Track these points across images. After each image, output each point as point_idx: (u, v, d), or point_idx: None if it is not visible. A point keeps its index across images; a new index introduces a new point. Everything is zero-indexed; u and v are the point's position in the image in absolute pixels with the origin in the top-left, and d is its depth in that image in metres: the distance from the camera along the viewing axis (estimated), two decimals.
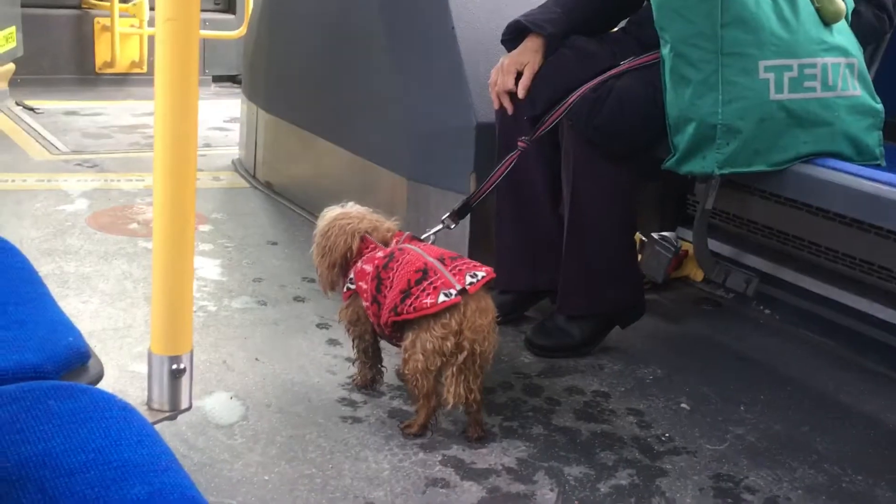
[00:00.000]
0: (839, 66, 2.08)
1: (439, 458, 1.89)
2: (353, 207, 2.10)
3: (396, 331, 1.95)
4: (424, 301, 1.85)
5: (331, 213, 2.09)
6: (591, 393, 2.21)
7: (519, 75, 2.35)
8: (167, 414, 1.28)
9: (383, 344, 2.09)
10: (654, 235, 2.74)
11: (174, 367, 1.28)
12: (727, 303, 2.76)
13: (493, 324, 1.90)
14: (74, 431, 0.84)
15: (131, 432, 0.85)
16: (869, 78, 2.17)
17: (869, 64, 2.30)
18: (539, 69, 2.34)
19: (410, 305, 1.87)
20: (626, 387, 2.25)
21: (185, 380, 1.31)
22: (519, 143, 2.28)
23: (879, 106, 2.15)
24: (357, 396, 2.11)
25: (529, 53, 2.36)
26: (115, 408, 0.90)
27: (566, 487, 1.82)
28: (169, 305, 1.22)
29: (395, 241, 2.04)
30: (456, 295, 1.84)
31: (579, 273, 2.36)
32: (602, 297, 2.38)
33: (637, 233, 2.51)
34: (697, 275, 2.83)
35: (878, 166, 2.12)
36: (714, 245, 2.70)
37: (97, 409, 0.88)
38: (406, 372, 1.92)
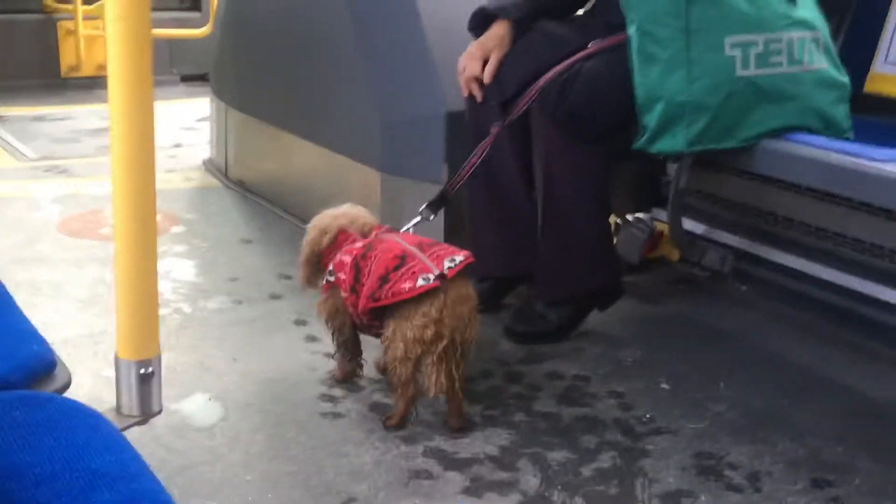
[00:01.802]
0: (805, 40, 2.09)
1: (421, 449, 1.88)
2: (348, 206, 2.11)
3: (375, 319, 1.94)
4: (402, 286, 1.84)
5: (319, 214, 2.11)
6: (572, 377, 2.20)
7: (487, 61, 2.34)
8: (138, 419, 1.26)
9: (363, 337, 2.08)
10: (629, 217, 2.75)
11: (142, 371, 1.26)
12: (704, 281, 2.77)
13: (474, 312, 1.89)
14: (41, 441, 0.82)
15: (99, 440, 0.83)
16: (834, 51, 2.17)
17: (834, 37, 2.30)
18: (507, 54, 2.33)
19: (388, 290, 1.86)
20: (606, 369, 2.25)
21: (154, 383, 1.29)
22: (491, 130, 2.27)
23: (845, 79, 2.16)
24: (337, 392, 2.09)
25: (496, 39, 2.35)
26: (81, 416, 0.88)
27: (549, 473, 1.82)
28: (134, 309, 1.20)
29: (374, 233, 2.04)
30: (434, 279, 1.83)
31: (556, 258, 2.35)
32: (579, 281, 2.37)
33: (612, 215, 2.51)
34: (673, 255, 2.84)
35: (846, 139, 2.12)
36: (689, 224, 2.70)
37: (64, 418, 0.86)
38: (386, 360, 1.91)
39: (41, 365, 1.05)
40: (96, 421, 0.88)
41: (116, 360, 1.25)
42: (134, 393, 1.26)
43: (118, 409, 1.23)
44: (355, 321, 2.02)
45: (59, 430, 0.84)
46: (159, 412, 1.34)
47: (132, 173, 1.10)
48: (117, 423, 0.96)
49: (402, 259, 1.88)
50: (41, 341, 1.10)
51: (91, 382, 2.02)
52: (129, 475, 0.79)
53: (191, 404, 2.01)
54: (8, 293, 1.21)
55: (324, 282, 2.05)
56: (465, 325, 1.87)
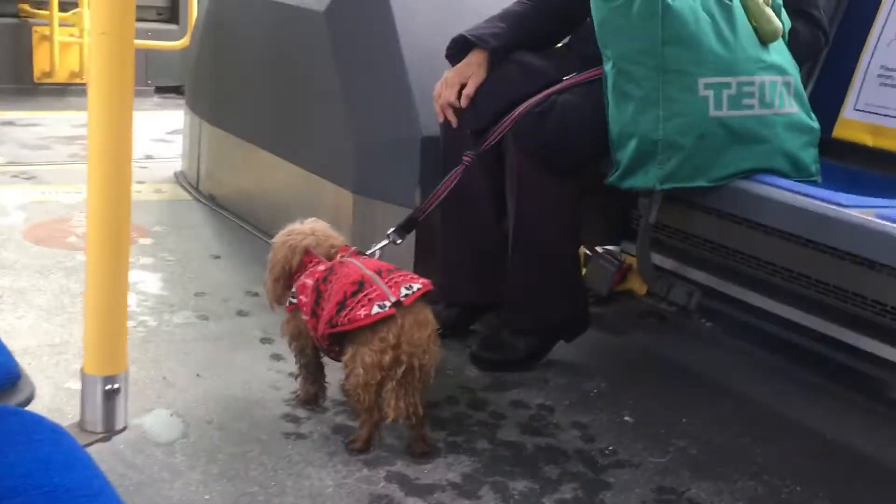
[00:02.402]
0: (776, 84, 2.13)
1: (384, 474, 1.87)
2: (309, 223, 2.10)
3: (334, 344, 1.94)
4: (359, 312, 1.85)
5: (284, 229, 2.10)
6: (536, 406, 2.21)
7: (463, 89, 2.36)
8: (101, 435, 1.24)
9: (327, 360, 2.08)
10: (599, 249, 2.77)
11: (108, 387, 1.25)
12: (670, 316, 2.80)
13: (432, 337, 1.89)
14: (3, 455, 0.81)
15: (61, 455, 0.82)
16: (805, 96, 2.21)
17: (805, 82, 2.35)
18: (483, 83, 2.35)
19: (345, 317, 1.86)
20: (571, 400, 2.25)
21: (119, 400, 1.28)
22: (464, 158, 2.29)
23: (815, 124, 2.20)
24: (300, 412, 2.08)
25: (473, 67, 2.37)
26: (44, 430, 0.87)
27: (511, 502, 1.82)
28: (103, 324, 1.19)
29: (339, 255, 2.04)
30: (390, 307, 1.84)
31: (524, 287, 2.37)
32: (547, 311, 2.38)
33: (581, 247, 2.52)
34: (641, 288, 2.86)
35: (814, 183, 2.16)
36: (657, 259, 2.73)
37: (26, 432, 0.85)
38: (347, 386, 1.91)
39: (4, 376, 1.03)
40: (59, 436, 0.87)
41: (82, 374, 1.23)
42: (98, 409, 1.24)
43: (81, 424, 1.21)
44: (316, 344, 2.01)
45: (21, 444, 0.83)
46: (124, 429, 1.33)
47: (107, 187, 1.09)
48: (80, 438, 0.94)
49: (360, 285, 1.88)
50: (5, 352, 1.08)
51: (51, 394, 1.99)
52: (92, 493, 0.78)
53: (152, 419, 1.98)
54: None
55: (287, 303, 2.05)
56: (424, 350, 1.87)
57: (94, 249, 1.13)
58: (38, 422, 0.89)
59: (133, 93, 1.11)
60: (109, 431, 1.24)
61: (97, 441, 1.27)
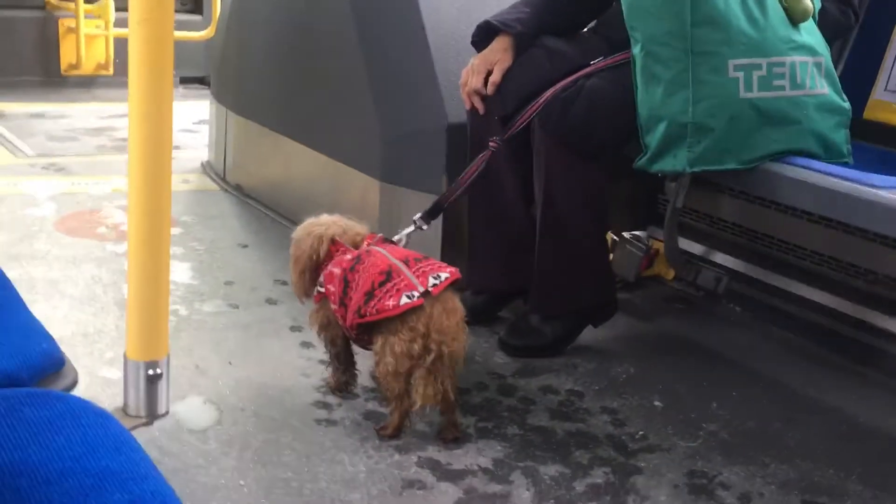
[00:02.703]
0: (807, 65, 2.11)
1: (415, 459, 1.89)
2: (325, 217, 2.11)
3: (363, 333, 1.94)
4: (387, 303, 1.85)
5: (304, 223, 2.10)
6: (566, 392, 2.21)
7: (489, 75, 2.36)
8: (144, 420, 1.26)
9: (357, 347, 2.09)
10: (626, 234, 2.76)
11: (150, 372, 1.26)
12: (698, 301, 2.79)
13: (460, 324, 1.90)
14: (51, 439, 0.82)
15: (109, 439, 0.84)
16: (836, 76, 2.19)
17: (835, 63, 2.33)
18: (509, 68, 2.34)
19: (373, 307, 1.87)
20: (600, 385, 2.26)
21: (161, 385, 1.29)
22: (490, 144, 2.29)
23: (846, 104, 2.18)
24: (331, 399, 2.10)
25: (499, 53, 2.36)
26: (91, 415, 0.89)
27: (542, 487, 1.83)
28: (144, 310, 1.20)
29: (365, 243, 2.04)
30: (419, 297, 1.84)
31: (552, 273, 2.36)
32: (575, 297, 2.38)
33: (608, 232, 2.52)
34: (668, 273, 2.86)
35: (845, 164, 2.14)
36: (684, 243, 2.72)
37: (73, 417, 0.87)
38: (377, 374, 1.92)
39: (49, 363, 1.05)
40: (106, 420, 0.88)
41: (125, 360, 1.25)
42: (141, 394, 1.26)
43: (125, 409, 1.23)
44: (345, 333, 2.02)
45: (69, 428, 0.84)
46: (166, 414, 1.34)
47: (149, 176, 1.10)
48: (124, 423, 0.96)
49: (388, 275, 1.88)
50: (49, 339, 1.10)
51: (87, 382, 2.02)
52: (139, 476, 0.79)
53: (185, 407, 2.00)
54: (15, 290, 1.21)
55: (315, 292, 2.06)
56: (453, 337, 1.87)
57: (136, 236, 1.15)
58: (85, 406, 0.90)
59: (172, 80, 1.12)
60: (152, 416, 1.26)
61: (140, 426, 1.29)
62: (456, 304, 1.90)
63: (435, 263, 1.93)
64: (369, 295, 1.88)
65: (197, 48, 5.65)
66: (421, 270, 1.89)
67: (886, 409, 2.21)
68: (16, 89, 5.12)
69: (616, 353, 2.43)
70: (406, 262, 1.91)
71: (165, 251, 1.21)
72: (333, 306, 1.99)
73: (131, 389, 1.23)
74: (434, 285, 1.86)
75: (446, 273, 1.89)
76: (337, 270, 1.98)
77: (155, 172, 1.12)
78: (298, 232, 2.10)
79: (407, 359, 1.86)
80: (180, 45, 5.57)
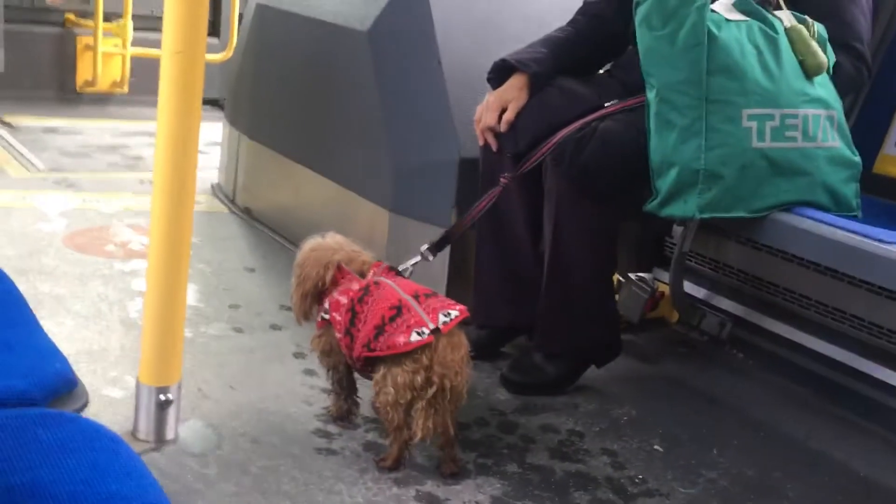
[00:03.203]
0: (819, 118, 2.13)
1: (413, 493, 1.88)
2: (332, 238, 2.11)
3: (368, 365, 1.95)
4: (398, 339, 1.85)
5: (309, 243, 2.10)
6: (566, 432, 2.21)
7: (503, 113, 2.38)
8: (152, 445, 1.26)
9: (358, 376, 2.09)
10: (631, 276, 2.77)
11: (161, 397, 1.27)
12: (701, 345, 2.79)
13: (464, 359, 1.90)
14: (62, 461, 0.83)
15: (119, 464, 0.84)
16: (847, 130, 2.21)
17: (847, 116, 2.35)
18: (524, 107, 2.36)
19: (384, 343, 1.87)
20: (601, 427, 2.25)
21: (171, 410, 1.30)
22: (501, 180, 2.30)
23: (857, 158, 2.20)
24: (332, 428, 2.10)
25: (514, 91, 2.38)
26: (103, 438, 0.89)
27: None
28: (159, 336, 1.21)
29: (371, 272, 2.05)
30: (429, 334, 1.85)
31: (557, 311, 2.37)
32: (579, 336, 2.39)
33: (615, 273, 2.53)
34: (673, 316, 2.86)
35: (854, 217, 2.15)
36: (690, 287, 2.73)
37: (85, 439, 0.87)
38: (377, 405, 1.92)
39: (62, 383, 1.05)
40: (117, 445, 0.89)
41: (137, 384, 1.26)
42: (152, 418, 1.26)
43: (134, 433, 1.23)
44: (349, 362, 2.02)
45: (81, 451, 0.85)
46: (174, 439, 1.35)
47: (173, 201, 1.12)
48: (132, 447, 0.96)
49: (399, 310, 1.89)
50: (63, 360, 1.11)
51: (91, 400, 2.01)
52: (148, 501, 0.79)
53: (186, 430, 2.00)
54: (30, 310, 1.22)
55: (319, 318, 2.06)
56: (456, 372, 1.88)
57: (156, 263, 1.15)
58: (97, 430, 0.91)
59: (201, 111, 1.13)
60: (160, 441, 1.26)
61: (147, 451, 1.29)
62: (461, 339, 1.91)
63: (444, 300, 1.94)
64: (379, 329, 1.88)
65: (211, 70, 5.66)
66: (431, 307, 1.90)
67: (887, 464, 2.21)
68: (31, 104, 5.16)
69: (618, 394, 2.43)
70: (416, 297, 1.91)
71: (184, 279, 1.22)
72: (338, 335, 1.99)
73: (142, 414, 1.23)
74: (444, 323, 1.87)
75: (456, 311, 1.90)
76: (344, 300, 1.99)
77: (179, 199, 1.14)
78: (304, 252, 2.09)
79: (408, 390, 1.86)
80: None
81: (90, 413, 1.93)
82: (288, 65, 3.45)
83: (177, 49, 1.06)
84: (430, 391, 1.86)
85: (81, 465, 0.83)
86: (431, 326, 1.85)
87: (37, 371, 1.03)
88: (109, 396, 2.06)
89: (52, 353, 1.11)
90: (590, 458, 2.10)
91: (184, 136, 1.10)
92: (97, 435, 0.89)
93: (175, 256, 1.17)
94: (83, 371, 2.19)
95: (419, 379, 1.85)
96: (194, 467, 1.87)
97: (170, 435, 1.32)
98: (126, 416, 1.88)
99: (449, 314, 1.88)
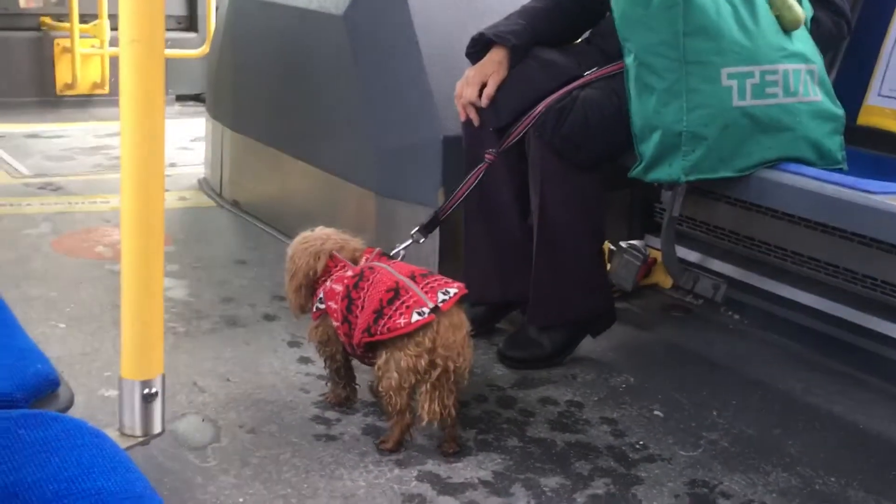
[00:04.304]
0: (800, 72, 2.11)
1: (415, 473, 1.88)
2: (320, 230, 2.10)
3: (369, 351, 1.94)
4: (398, 321, 1.84)
5: (298, 237, 2.09)
6: (565, 403, 2.21)
7: (484, 87, 2.36)
8: (140, 439, 1.26)
9: (355, 361, 2.08)
10: (623, 244, 2.76)
11: (146, 391, 1.26)
12: (696, 309, 2.78)
13: (466, 339, 1.89)
14: (46, 460, 0.82)
15: (104, 460, 0.83)
16: (829, 83, 2.20)
17: (828, 69, 2.34)
18: (504, 80, 2.35)
19: (384, 326, 1.86)
20: (599, 396, 2.25)
21: (156, 404, 1.29)
22: (486, 156, 2.29)
23: (840, 111, 2.18)
24: (331, 414, 2.09)
25: (494, 65, 2.36)
26: (86, 435, 0.88)
27: (543, 499, 1.82)
28: (139, 329, 1.20)
29: (364, 258, 2.04)
30: (429, 313, 1.84)
31: (549, 283, 2.36)
32: (572, 307, 2.38)
33: (605, 242, 2.52)
34: (666, 282, 2.85)
35: (840, 170, 2.15)
36: (682, 252, 2.72)
37: (69, 437, 0.86)
38: (380, 389, 1.91)
39: (45, 383, 1.05)
40: (101, 441, 0.88)
41: (120, 379, 1.25)
42: (137, 413, 1.25)
43: (120, 429, 1.23)
44: (347, 349, 2.02)
45: (64, 449, 0.84)
46: (161, 433, 1.34)
47: (141, 194, 1.10)
48: (119, 443, 0.95)
49: (396, 292, 1.88)
50: (44, 360, 1.10)
51: (84, 402, 2.01)
52: (135, 495, 0.79)
53: (184, 424, 2.00)
54: (10, 311, 1.21)
55: (314, 308, 2.05)
56: (458, 353, 1.87)
57: (129, 256, 1.14)
58: (80, 427, 0.90)
59: (164, 100, 1.12)
60: (147, 435, 1.26)
61: (136, 445, 1.28)
62: (462, 318, 1.90)
63: (441, 279, 1.93)
64: (378, 313, 1.87)
65: (192, 66, 5.65)
66: (429, 286, 1.89)
67: (887, 415, 2.21)
68: (11, 110, 5.13)
69: (615, 362, 2.43)
70: (413, 278, 1.90)
71: (159, 270, 1.21)
72: (336, 323, 1.98)
73: (126, 409, 1.23)
74: (443, 301, 1.86)
75: (454, 288, 1.89)
76: (339, 287, 1.98)
77: (148, 192, 1.13)
78: (294, 246, 2.09)
79: (412, 374, 1.85)
80: (175, 63, 5.61)
81: (86, 413, 1.93)
82: (266, 54, 3.43)
83: (133, 38, 1.04)
84: (435, 374, 1.86)
85: (66, 463, 0.82)
86: (431, 305, 1.84)
87: (18, 372, 1.02)
88: (104, 396, 2.05)
89: (32, 353, 1.10)
90: (590, 428, 2.10)
91: (149, 128, 1.08)
92: (80, 432, 0.88)
93: (148, 249, 1.16)
94: (77, 372, 2.19)
95: (423, 362, 1.85)
96: (194, 461, 1.87)
97: (157, 428, 1.31)
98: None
99: (448, 292, 1.88)
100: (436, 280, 1.91)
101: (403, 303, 1.86)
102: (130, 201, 1.15)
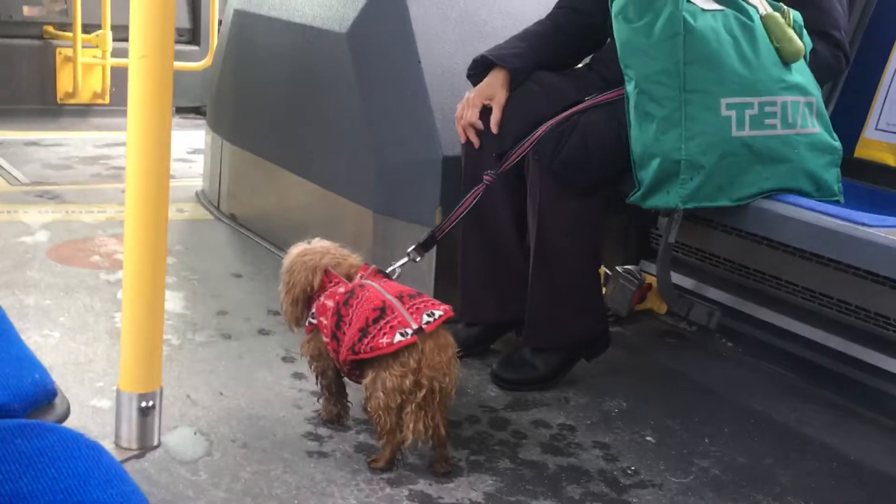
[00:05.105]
0: (798, 104, 2.13)
1: (406, 493, 1.88)
2: (318, 243, 2.10)
3: (355, 368, 1.95)
4: (381, 341, 1.85)
5: (295, 249, 2.09)
6: (558, 426, 2.21)
7: (484, 109, 2.38)
8: (135, 452, 1.26)
9: (348, 380, 2.08)
10: (618, 269, 2.77)
11: (143, 404, 1.26)
12: (690, 335, 2.79)
13: (452, 360, 1.90)
14: (43, 471, 0.82)
15: (100, 471, 0.83)
16: (827, 116, 2.22)
17: (826, 102, 2.36)
18: (504, 103, 2.36)
19: (367, 345, 1.87)
20: (592, 420, 2.25)
21: (153, 417, 1.29)
22: (484, 177, 2.30)
23: (837, 143, 2.20)
24: (323, 431, 2.09)
25: (495, 87, 2.38)
26: (83, 447, 0.88)
27: None
28: (138, 342, 1.20)
29: (359, 275, 2.04)
30: (412, 334, 1.84)
31: (545, 306, 2.37)
32: (567, 330, 2.39)
33: (601, 266, 2.53)
34: (661, 308, 2.86)
35: (836, 202, 2.16)
36: (677, 278, 2.73)
37: (65, 449, 0.86)
38: (368, 409, 1.91)
39: (42, 394, 1.05)
40: (98, 453, 0.88)
41: (117, 392, 1.25)
42: (133, 425, 1.25)
43: (116, 441, 1.23)
44: (337, 366, 2.02)
45: (61, 460, 0.84)
46: (157, 446, 1.34)
47: (146, 207, 1.11)
48: (115, 455, 0.95)
49: (382, 311, 1.88)
50: (42, 370, 1.10)
51: (77, 411, 1.98)
52: None
53: (176, 437, 1.99)
54: (8, 320, 1.21)
55: (307, 323, 2.05)
56: (444, 373, 1.87)
57: (132, 269, 1.15)
58: (77, 438, 0.90)
59: (171, 115, 1.13)
60: (143, 448, 1.25)
61: (131, 458, 1.28)
62: (448, 339, 1.90)
63: (429, 300, 1.93)
64: (363, 332, 1.88)
65: (193, 78, 5.67)
66: (415, 307, 1.89)
67: (878, 447, 2.21)
68: (12, 117, 5.13)
69: (608, 387, 2.43)
70: (400, 298, 1.91)
71: (161, 285, 1.21)
72: (325, 339, 1.99)
73: (123, 421, 1.23)
74: (427, 323, 1.86)
75: (440, 311, 1.90)
76: (330, 303, 1.98)
77: (153, 206, 1.13)
78: (292, 258, 2.08)
79: (398, 394, 1.86)
80: (177, 76, 5.60)
81: (78, 423, 1.93)
82: (268, 69, 3.45)
83: (143, 53, 1.05)
84: (420, 394, 1.86)
85: (62, 474, 0.82)
86: (415, 326, 1.85)
87: (14, 382, 1.02)
88: (96, 406, 2.04)
89: (30, 363, 1.10)
90: (582, 452, 2.10)
91: (156, 141, 1.09)
92: (77, 444, 0.88)
93: (152, 263, 1.17)
94: (70, 382, 2.19)
95: (408, 382, 1.85)
96: (184, 474, 1.86)
97: (153, 442, 1.31)
98: (114, 426, 1.87)
99: (433, 314, 1.88)
100: (423, 301, 1.92)
101: (388, 322, 1.86)
102: (135, 214, 1.16)
